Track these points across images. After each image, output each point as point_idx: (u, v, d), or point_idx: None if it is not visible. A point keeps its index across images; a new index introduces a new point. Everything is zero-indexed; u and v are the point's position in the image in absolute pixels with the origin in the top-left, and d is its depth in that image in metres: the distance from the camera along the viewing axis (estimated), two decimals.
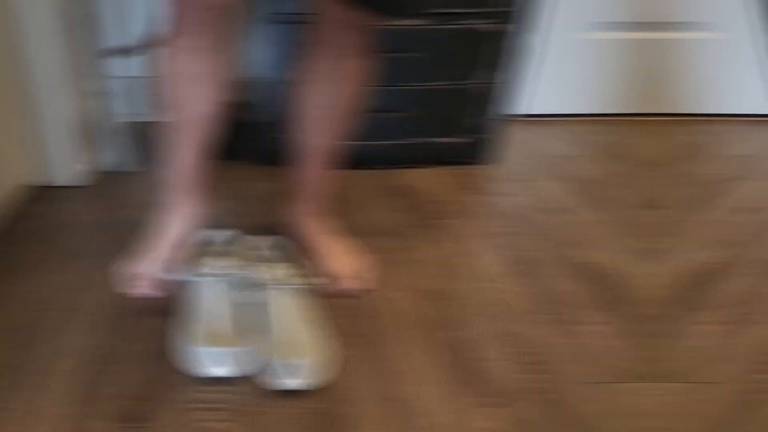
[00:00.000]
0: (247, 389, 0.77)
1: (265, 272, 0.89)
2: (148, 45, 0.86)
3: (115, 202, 1.22)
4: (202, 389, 0.77)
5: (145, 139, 1.54)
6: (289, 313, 0.84)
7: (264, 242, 1.01)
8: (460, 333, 0.88)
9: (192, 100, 0.86)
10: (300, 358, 0.76)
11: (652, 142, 1.57)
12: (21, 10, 1.10)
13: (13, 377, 0.77)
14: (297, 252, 1.05)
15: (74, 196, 1.24)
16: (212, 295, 0.87)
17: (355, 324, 0.89)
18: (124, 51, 1.39)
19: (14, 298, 0.92)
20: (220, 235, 1.01)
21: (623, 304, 0.97)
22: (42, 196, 1.23)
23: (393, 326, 0.89)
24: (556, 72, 1.66)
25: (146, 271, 0.96)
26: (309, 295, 0.89)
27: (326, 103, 0.90)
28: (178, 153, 0.92)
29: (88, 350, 0.82)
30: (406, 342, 0.86)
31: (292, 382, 0.76)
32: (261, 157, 1.40)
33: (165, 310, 0.91)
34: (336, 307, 0.92)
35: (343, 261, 1.00)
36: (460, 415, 0.74)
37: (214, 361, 0.77)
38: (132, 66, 1.62)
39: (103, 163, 1.40)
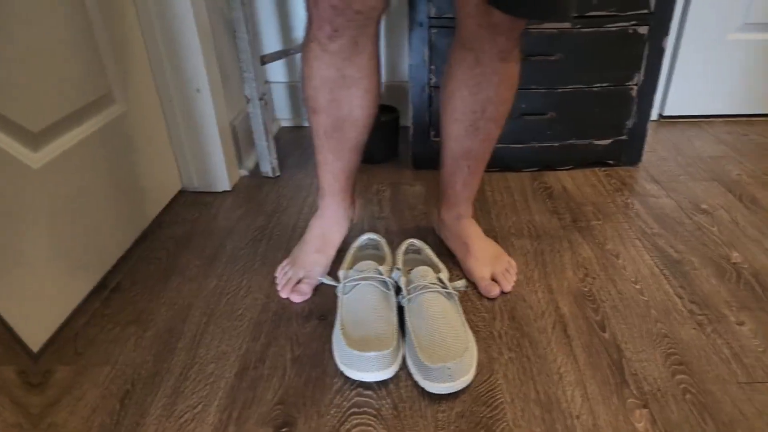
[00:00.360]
0: (394, 392, 0.78)
1: (414, 275, 0.89)
2: (302, 50, 0.85)
3: (266, 207, 1.26)
4: (355, 393, 0.78)
5: (297, 143, 1.61)
6: (435, 316, 0.83)
7: (413, 245, 1.00)
8: (607, 334, 0.88)
9: (341, 104, 0.86)
10: (446, 361, 0.76)
11: None
12: (178, 15, 1.10)
13: (175, 383, 0.80)
14: (445, 255, 1.05)
15: (226, 202, 1.28)
16: (364, 298, 0.87)
17: (502, 326, 0.90)
18: (282, 56, 1.41)
19: (167, 303, 0.96)
20: (371, 239, 1.02)
21: None
22: (195, 202, 1.28)
23: (540, 328, 0.89)
24: (700, 72, 1.67)
25: (299, 275, 0.97)
26: (455, 298, 0.89)
27: (472, 107, 0.88)
28: (329, 157, 0.93)
29: (247, 356, 0.85)
30: (553, 344, 0.86)
31: (438, 386, 0.76)
32: (411, 160, 1.44)
33: (318, 314, 0.93)
34: (482, 310, 0.93)
35: (491, 263, 0.99)
36: (609, 416, 0.74)
37: (366, 365, 0.77)
38: (287, 71, 1.70)
39: (257, 168, 1.43)
